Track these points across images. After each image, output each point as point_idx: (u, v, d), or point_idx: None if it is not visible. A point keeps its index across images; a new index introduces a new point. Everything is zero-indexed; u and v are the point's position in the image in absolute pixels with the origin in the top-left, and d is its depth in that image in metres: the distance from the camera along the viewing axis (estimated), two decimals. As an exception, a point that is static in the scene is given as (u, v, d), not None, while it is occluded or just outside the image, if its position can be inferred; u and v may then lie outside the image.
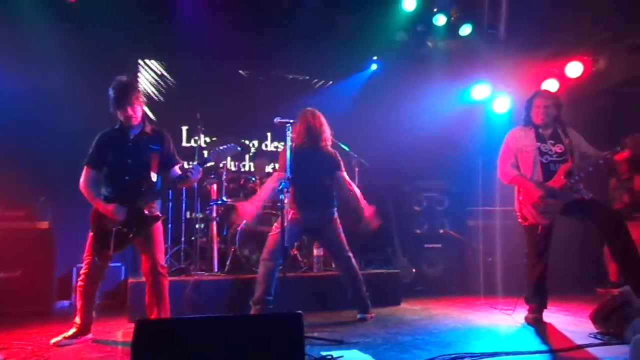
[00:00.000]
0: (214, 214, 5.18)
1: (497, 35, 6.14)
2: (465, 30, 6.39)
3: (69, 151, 5.54)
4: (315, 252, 5.10)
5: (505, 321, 4.13)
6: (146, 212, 3.37)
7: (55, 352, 3.18)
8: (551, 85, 6.05)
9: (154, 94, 6.42)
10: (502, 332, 3.74)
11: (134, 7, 5.67)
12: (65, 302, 5.26)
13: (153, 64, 6.47)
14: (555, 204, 3.86)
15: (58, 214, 5.19)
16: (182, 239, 5.41)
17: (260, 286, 3.96)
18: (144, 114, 3.59)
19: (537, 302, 4.02)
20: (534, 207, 3.89)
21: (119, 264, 5.57)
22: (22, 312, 4.67)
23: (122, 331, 3.79)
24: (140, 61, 6.41)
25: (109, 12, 5.50)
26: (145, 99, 3.57)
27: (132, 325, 3.72)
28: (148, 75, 6.44)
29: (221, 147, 3.48)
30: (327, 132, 4.29)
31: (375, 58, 7.26)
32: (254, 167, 6.42)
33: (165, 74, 6.50)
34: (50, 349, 3.25)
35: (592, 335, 3.38)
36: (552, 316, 4.15)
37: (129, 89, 3.42)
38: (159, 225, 3.47)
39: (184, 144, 6.44)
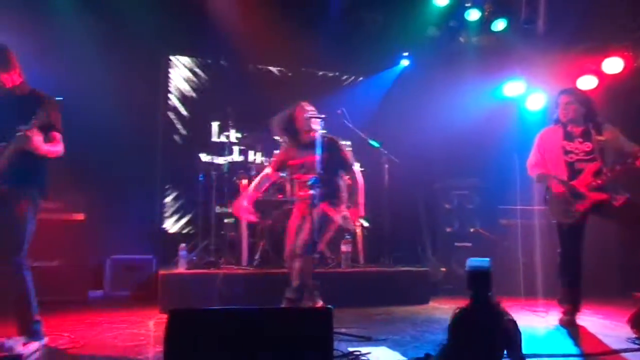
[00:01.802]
0: (244, 209, 5.22)
1: (534, 30, 5.99)
2: (499, 25, 6.25)
3: (104, 145, 5.73)
4: (343, 248, 5.09)
5: (538, 323, 4.04)
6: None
7: (90, 340, 3.25)
8: (588, 81, 5.86)
9: (186, 90, 6.51)
10: (535, 334, 3.65)
11: (166, 4, 5.77)
12: (98, 292, 5.40)
13: (185, 60, 6.56)
14: (578, 203, 3.76)
15: (92, 206, 5.33)
16: (212, 232, 5.49)
17: (297, 280, 3.90)
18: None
19: (570, 304, 3.93)
20: (557, 206, 3.82)
21: (150, 256, 5.69)
22: (58, 301, 4.80)
23: (153, 321, 3.86)
24: (172, 57, 6.50)
25: (143, 9, 5.62)
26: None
27: (163, 315, 3.81)
28: (180, 72, 6.53)
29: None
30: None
31: (406, 54, 7.19)
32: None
33: (197, 70, 6.58)
34: (86, 337, 3.32)
35: (630, 340, 3.27)
36: (587, 319, 4.04)
37: None
38: (17, 207, 2.91)
39: (215, 139, 6.50)
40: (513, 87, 6.45)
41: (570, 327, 3.82)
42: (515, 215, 5.71)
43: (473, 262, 3.00)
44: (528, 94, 6.39)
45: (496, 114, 6.33)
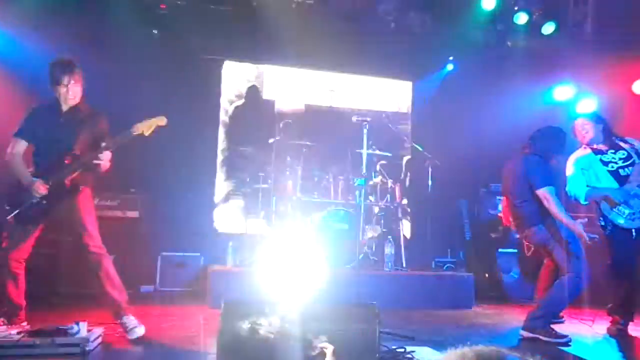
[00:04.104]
0: (289, 210, 5.36)
1: (583, 34, 5.87)
2: (548, 28, 6.16)
3: (157, 148, 5.96)
4: (386, 250, 5.13)
5: (584, 331, 3.96)
6: (67, 182, 3.22)
7: (146, 331, 3.39)
8: (641, 86, 5.71)
9: (235, 94, 6.71)
10: (582, 341, 3.59)
11: (220, 13, 5.99)
12: (150, 287, 5.64)
13: (235, 64, 6.74)
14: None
15: (146, 204, 5.58)
16: (258, 231, 5.64)
17: None
18: (84, 93, 3.44)
19: (621, 314, 3.84)
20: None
21: (198, 254, 5.90)
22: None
23: (203, 315, 4.02)
24: (225, 62, 6.68)
25: (195, 17, 5.86)
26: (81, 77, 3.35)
27: (213, 310, 3.97)
28: (231, 77, 6.72)
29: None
30: None
31: (451, 58, 7.16)
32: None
33: (247, 74, 6.76)
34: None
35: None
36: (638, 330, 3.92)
37: (67, 68, 3.28)
38: (85, 200, 3.32)
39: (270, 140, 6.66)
40: (563, 92, 6.34)
41: (620, 336, 3.73)
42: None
43: None
44: (578, 98, 6.26)
45: (544, 118, 6.21)
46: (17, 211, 3.14)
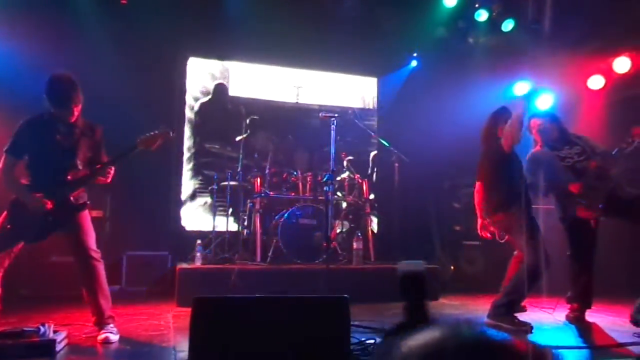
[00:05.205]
0: (257, 206, 5.34)
1: (541, 31, 6.06)
2: (508, 25, 6.34)
3: (122, 144, 5.84)
4: (354, 245, 5.19)
5: (545, 319, 4.12)
6: (72, 199, 3.17)
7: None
8: (597, 81, 5.95)
9: (201, 92, 6.63)
10: (542, 328, 3.73)
11: (183, 8, 5.89)
12: (115, 287, 5.52)
13: (201, 61, 6.65)
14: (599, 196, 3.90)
15: (111, 203, 5.45)
16: (227, 229, 5.61)
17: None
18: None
19: (579, 302, 4.00)
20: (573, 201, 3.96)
21: (166, 253, 5.81)
22: (77, 295, 4.93)
23: (172, 314, 3.98)
24: (190, 59, 6.59)
25: (158, 11, 5.75)
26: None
27: (181, 309, 3.94)
28: (197, 73, 6.63)
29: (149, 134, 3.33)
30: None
31: (415, 54, 7.28)
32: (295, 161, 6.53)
33: (213, 71, 6.68)
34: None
35: (637, 335, 3.35)
36: (596, 316, 4.10)
37: (74, 90, 3.18)
38: (86, 213, 3.28)
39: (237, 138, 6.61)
40: (522, 87, 6.53)
41: (578, 323, 3.90)
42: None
43: (405, 265, 2.64)
44: (537, 93, 6.46)
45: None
46: (29, 232, 3.04)
